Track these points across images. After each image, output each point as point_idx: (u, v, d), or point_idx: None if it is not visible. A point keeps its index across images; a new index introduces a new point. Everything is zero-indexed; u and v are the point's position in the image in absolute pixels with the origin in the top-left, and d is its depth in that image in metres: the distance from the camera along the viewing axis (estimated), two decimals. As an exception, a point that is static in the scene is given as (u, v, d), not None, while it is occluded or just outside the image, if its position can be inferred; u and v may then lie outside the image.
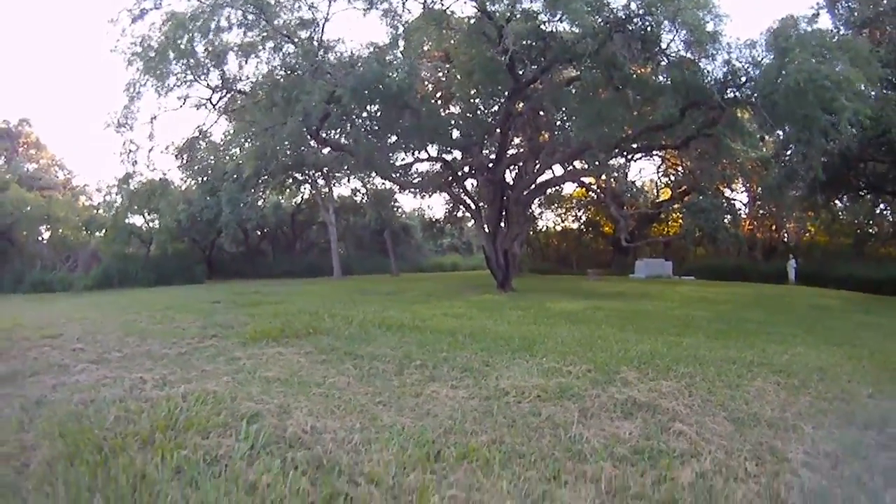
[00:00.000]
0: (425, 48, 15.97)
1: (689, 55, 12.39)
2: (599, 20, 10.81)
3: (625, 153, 19.38)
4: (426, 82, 18.03)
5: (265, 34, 13.12)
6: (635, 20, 11.88)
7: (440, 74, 19.24)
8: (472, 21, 15.12)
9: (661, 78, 12.98)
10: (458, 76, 17.18)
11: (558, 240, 39.39)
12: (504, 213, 16.53)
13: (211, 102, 15.21)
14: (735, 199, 28.99)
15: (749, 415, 4.16)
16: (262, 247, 35.83)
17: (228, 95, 15.24)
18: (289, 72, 13.36)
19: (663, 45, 12.24)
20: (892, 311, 14.51)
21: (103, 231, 27.34)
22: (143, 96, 14.02)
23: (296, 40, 13.36)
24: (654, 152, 23.57)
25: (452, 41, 16.21)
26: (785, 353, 6.67)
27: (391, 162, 16.68)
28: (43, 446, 3.36)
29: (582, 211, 37.21)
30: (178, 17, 12.88)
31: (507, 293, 15.88)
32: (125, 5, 13.17)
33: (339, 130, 15.03)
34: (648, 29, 11.99)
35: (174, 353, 5.96)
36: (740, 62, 11.93)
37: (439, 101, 19.15)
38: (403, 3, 13.96)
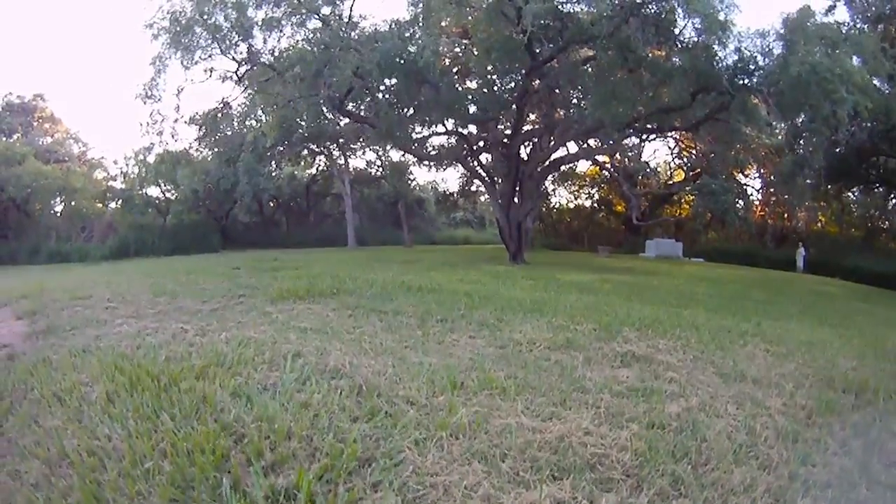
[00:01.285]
0: (444, 24, 16.23)
1: (700, 41, 12.63)
2: (616, 3, 11.06)
3: (638, 133, 19.69)
4: (444, 58, 18.34)
5: (291, 9, 13.44)
6: (650, 5, 12.17)
7: (457, 49, 19.53)
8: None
9: (674, 61, 13.24)
10: (476, 52, 17.50)
11: (570, 217, 39.77)
12: (518, 188, 16.95)
13: (237, 75, 15.57)
14: (748, 185, 29.20)
15: (736, 371, 4.61)
16: (277, 217, 36.36)
17: (254, 69, 15.59)
18: (317, 47, 13.69)
19: (676, 31, 12.50)
20: (892, 301, 14.94)
21: (119, 202, 27.71)
22: (168, 69, 14.38)
23: (322, 15, 13.71)
24: (668, 134, 23.79)
25: (471, 17, 16.47)
26: (778, 328, 7.15)
27: (409, 134, 17.08)
28: (101, 381, 3.64)
29: (595, 189, 37.51)
30: None
31: (519, 264, 16.41)
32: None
33: (360, 102, 15.39)
34: (662, 15, 12.28)
35: (207, 310, 6.36)
36: (750, 51, 12.23)
37: (457, 76, 19.50)
38: None
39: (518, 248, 17.13)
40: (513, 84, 16.98)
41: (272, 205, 35.10)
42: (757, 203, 30.62)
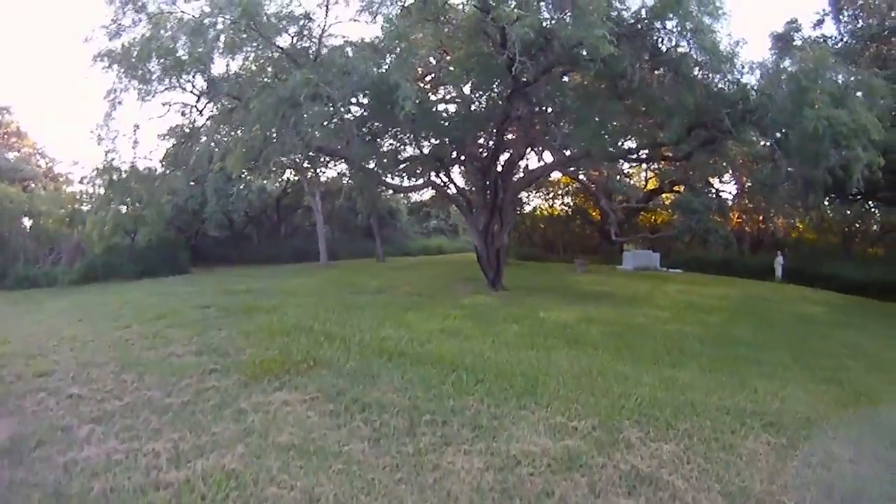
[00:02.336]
0: (419, 37, 15.58)
1: (701, 75, 12.20)
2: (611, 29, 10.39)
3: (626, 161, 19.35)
4: (420, 81, 17.79)
5: (252, 35, 12.79)
6: (640, 26, 11.68)
7: (432, 60, 18.89)
8: (467, 11, 14.83)
9: (667, 98, 12.66)
10: (453, 69, 16.96)
11: (545, 224, 39.46)
12: (497, 215, 16.50)
13: (196, 108, 14.79)
14: (724, 192, 29.16)
15: (740, 488, 4.35)
16: (247, 231, 35.50)
17: (215, 100, 14.79)
18: (282, 75, 12.93)
19: (674, 59, 12.04)
20: (874, 322, 14.94)
21: (85, 225, 26.92)
22: (124, 103, 13.52)
23: (285, 46, 13.10)
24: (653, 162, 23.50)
25: (446, 30, 15.84)
26: (776, 396, 6.88)
27: (384, 165, 16.51)
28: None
29: (570, 197, 37.26)
30: (160, 18, 12.54)
31: (498, 292, 16.08)
32: (101, 20, 12.86)
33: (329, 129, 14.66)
34: (658, 41, 11.85)
35: (177, 404, 5.92)
36: (756, 91, 11.69)
37: (430, 89, 18.94)
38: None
39: (496, 275, 16.71)
40: (491, 104, 16.50)
41: (243, 218, 34.21)
42: (732, 208, 30.60)
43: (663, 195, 31.30)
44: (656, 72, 12.50)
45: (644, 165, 32.95)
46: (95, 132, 14.02)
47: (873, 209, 26.54)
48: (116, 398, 6.24)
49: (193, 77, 13.49)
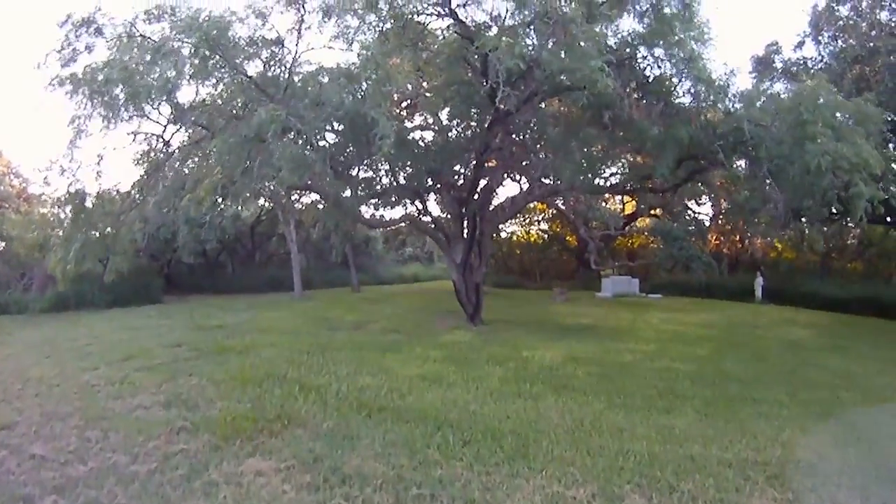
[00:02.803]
0: (396, 62, 15.18)
1: (695, 105, 11.90)
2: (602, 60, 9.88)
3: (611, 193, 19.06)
4: (396, 107, 17.41)
5: (226, 78, 12.28)
6: (628, 54, 11.36)
7: (409, 86, 18.55)
8: (447, 38, 14.49)
9: (658, 130, 12.20)
10: (430, 95, 16.65)
11: (521, 251, 39.14)
12: (474, 245, 16.07)
13: (162, 139, 14.17)
14: (699, 213, 29.20)
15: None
16: (222, 258, 34.76)
17: (184, 128, 14.20)
18: (251, 104, 12.32)
19: (665, 88, 11.75)
20: (861, 343, 15.06)
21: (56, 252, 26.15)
22: (89, 131, 12.71)
23: (255, 74, 12.60)
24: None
25: (424, 56, 15.49)
26: (776, 441, 6.60)
27: (359, 199, 16.04)
28: None
29: (547, 223, 37.03)
30: (121, 41, 11.79)
31: (478, 327, 15.67)
32: (55, 44, 11.65)
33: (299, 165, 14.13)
34: (647, 69, 11.58)
35: (144, 473, 5.40)
36: (751, 121, 11.11)
37: (406, 121, 18.56)
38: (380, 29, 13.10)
39: (476, 310, 16.21)
40: (470, 133, 16.19)
41: (217, 245, 33.45)
42: (710, 230, 30.55)
43: (640, 219, 31.15)
44: (643, 101, 12.13)
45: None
46: (57, 163, 13.28)
47: (850, 225, 26.71)
48: (81, 461, 5.80)
49: (158, 106, 12.83)
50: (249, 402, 7.75)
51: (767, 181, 11.41)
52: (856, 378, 10.84)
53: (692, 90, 11.56)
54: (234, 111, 13.12)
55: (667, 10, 10.74)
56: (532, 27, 10.36)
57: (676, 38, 10.51)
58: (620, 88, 10.62)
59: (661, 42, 10.81)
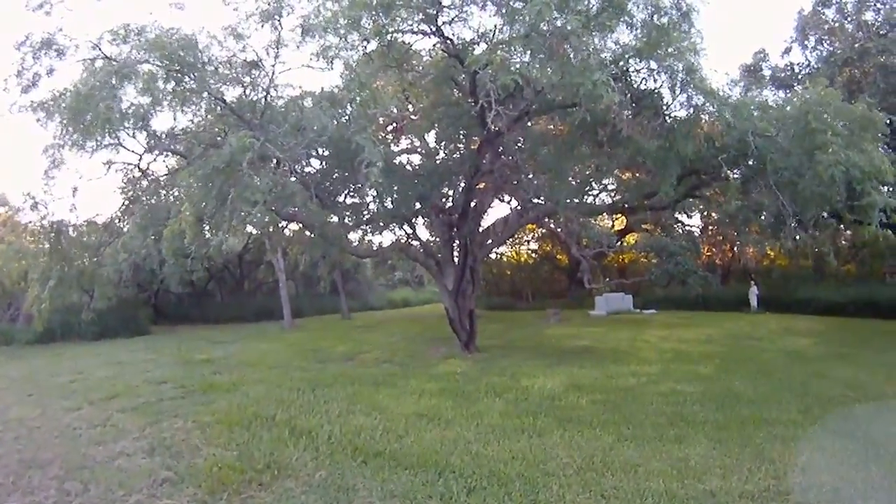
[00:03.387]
0: (381, 84, 14.83)
1: (694, 119, 11.52)
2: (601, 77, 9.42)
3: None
4: (382, 131, 17.12)
5: (199, 103, 11.88)
6: (622, 67, 11.02)
7: (394, 109, 18.23)
8: (434, 57, 14.21)
9: (658, 146, 11.66)
10: (416, 117, 16.39)
11: (511, 271, 38.78)
12: (467, 272, 15.64)
13: (139, 168, 13.75)
14: (689, 225, 28.99)
15: None
16: (210, 287, 34.40)
17: (160, 157, 13.79)
18: (227, 130, 11.88)
19: (664, 103, 11.42)
20: (864, 349, 14.87)
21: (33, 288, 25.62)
22: (65, 160, 12.13)
23: (233, 99, 12.20)
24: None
25: (410, 76, 15.18)
26: (795, 467, 6.25)
27: (345, 227, 15.67)
28: None
29: (537, 242, 36.73)
30: (87, 64, 11.16)
31: (473, 355, 15.22)
32: (14, 64, 10.94)
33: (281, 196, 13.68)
34: (642, 83, 11.27)
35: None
36: (759, 135, 10.76)
37: (393, 144, 18.28)
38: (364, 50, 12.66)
39: (470, 338, 15.69)
40: (459, 156, 15.86)
41: (205, 274, 33.01)
42: (702, 242, 30.35)
43: (630, 234, 30.88)
44: (639, 115, 11.74)
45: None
46: (29, 195, 12.85)
47: (842, 228, 26.61)
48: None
49: (133, 134, 12.37)
50: (237, 449, 7.30)
51: (777, 194, 11.03)
52: (866, 388, 10.50)
53: (692, 102, 11.19)
54: (213, 139, 12.69)
55: (664, 20, 10.38)
56: (526, 42, 9.90)
57: (674, 48, 10.16)
58: (618, 103, 10.23)
59: (658, 53, 10.43)
